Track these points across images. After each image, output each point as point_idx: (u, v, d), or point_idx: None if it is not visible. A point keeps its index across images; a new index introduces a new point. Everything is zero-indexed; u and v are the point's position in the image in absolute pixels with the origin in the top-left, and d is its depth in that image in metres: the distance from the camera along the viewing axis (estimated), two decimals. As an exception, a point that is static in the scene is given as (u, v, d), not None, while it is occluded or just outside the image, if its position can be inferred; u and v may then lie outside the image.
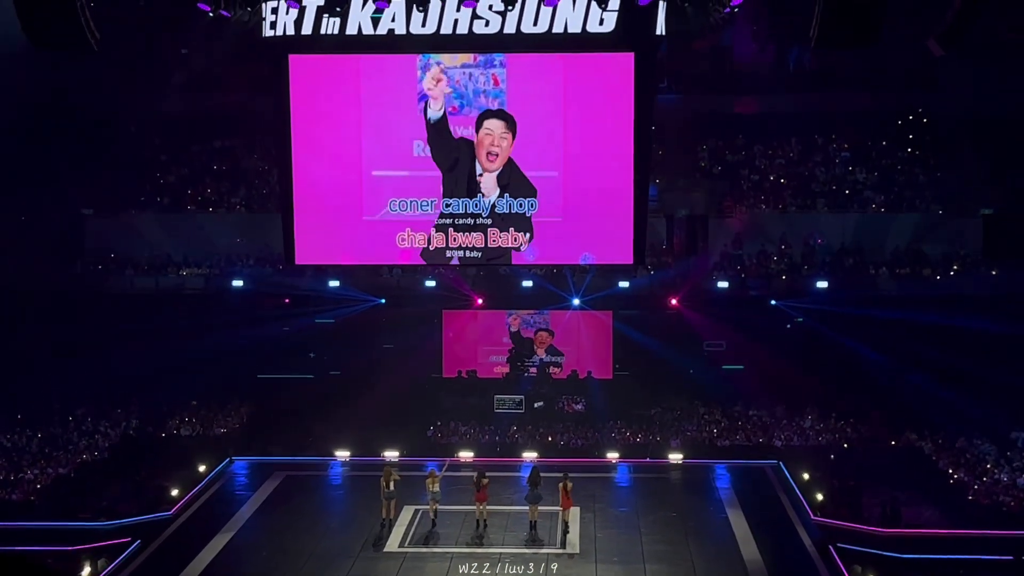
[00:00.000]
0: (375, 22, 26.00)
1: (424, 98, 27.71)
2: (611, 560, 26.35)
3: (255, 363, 38.44)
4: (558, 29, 25.84)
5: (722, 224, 39.27)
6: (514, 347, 39.49)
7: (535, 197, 27.83)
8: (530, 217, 27.97)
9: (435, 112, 27.64)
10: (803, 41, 21.42)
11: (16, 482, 31.02)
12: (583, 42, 26.13)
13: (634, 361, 38.80)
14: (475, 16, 25.79)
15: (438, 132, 27.70)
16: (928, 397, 34.73)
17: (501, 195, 27.78)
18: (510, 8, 25.13)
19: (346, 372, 38.48)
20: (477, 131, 27.57)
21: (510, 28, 25.85)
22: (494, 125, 27.54)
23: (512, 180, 27.78)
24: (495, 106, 27.56)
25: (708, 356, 38.91)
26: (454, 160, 27.77)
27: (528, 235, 28.11)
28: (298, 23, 26.01)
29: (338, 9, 25.37)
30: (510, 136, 27.51)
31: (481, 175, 27.74)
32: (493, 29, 25.89)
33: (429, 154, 27.89)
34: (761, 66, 40.57)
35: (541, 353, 39.47)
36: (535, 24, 25.80)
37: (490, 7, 25.73)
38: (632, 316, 38.65)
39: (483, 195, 27.75)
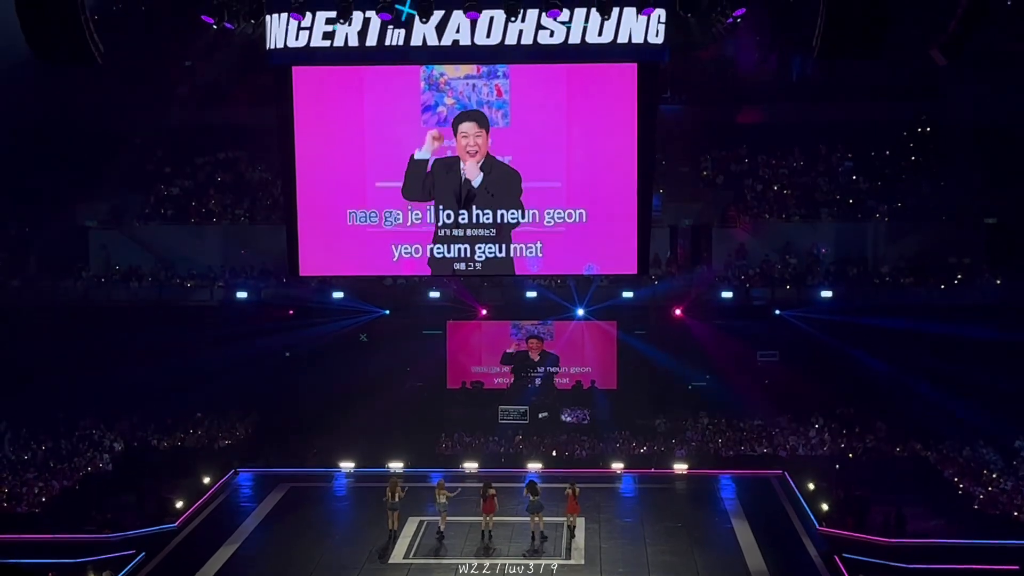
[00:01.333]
0: (378, 34, 26.01)
1: (428, 109, 27.77)
2: (616, 570, 26.34)
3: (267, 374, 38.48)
4: (561, 40, 25.84)
5: (726, 234, 39.29)
6: (514, 365, 39.51)
7: (520, 189, 27.85)
8: (530, 225, 28.03)
9: (422, 153, 27.84)
10: (806, 51, 21.44)
11: (21, 495, 31.01)
12: (586, 52, 26.16)
13: (638, 371, 38.73)
14: (478, 27, 25.80)
15: (417, 168, 27.91)
16: (933, 406, 34.71)
17: (483, 183, 27.75)
18: (513, 19, 25.14)
19: (350, 384, 38.36)
20: (455, 134, 27.67)
21: (513, 39, 25.86)
22: (468, 128, 27.69)
23: (494, 168, 27.81)
24: (499, 117, 27.62)
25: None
26: (431, 185, 28.00)
27: (531, 245, 28.14)
28: (302, 35, 26.05)
29: (341, 21, 25.40)
30: (484, 133, 27.68)
31: (463, 168, 27.80)
32: (496, 40, 25.90)
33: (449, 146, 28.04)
34: (764, 76, 40.63)
35: (535, 356, 39.45)
36: (537, 35, 25.82)
37: (491, 18, 25.76)
38: (639, 329, 38.62)
39: (467, 179, 27.75)
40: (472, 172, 27.81)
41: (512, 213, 27.94)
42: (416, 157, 27.90)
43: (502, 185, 27.86)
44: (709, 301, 37.48)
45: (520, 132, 27.77)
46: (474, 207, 27.92)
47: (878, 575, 26.32)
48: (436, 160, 27.85)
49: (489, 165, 27.80)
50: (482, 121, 27.65)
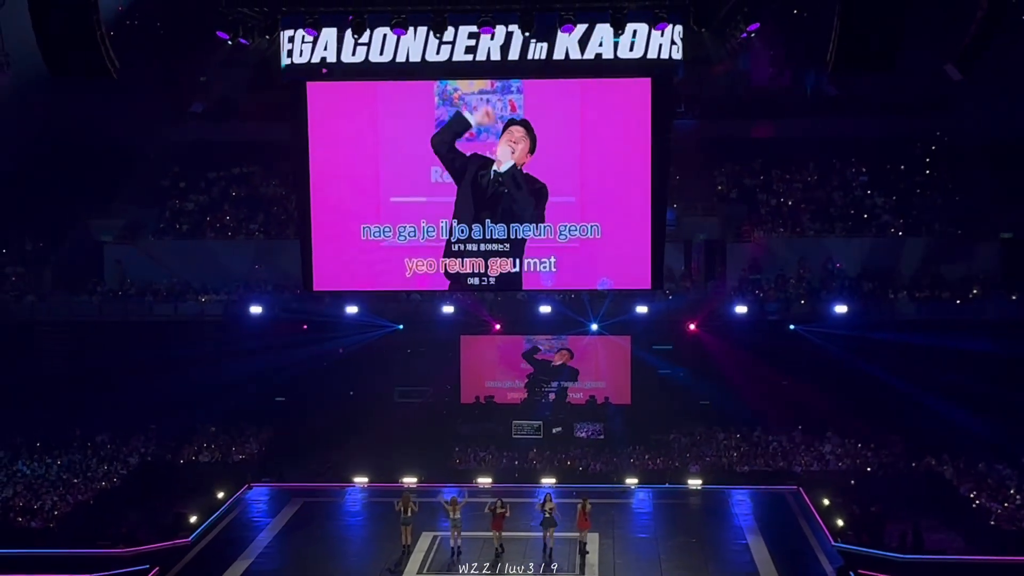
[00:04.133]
0: (393, 49, 26.09)
1: (442, 124, 27.81)
2: (630, 587, 26.30)
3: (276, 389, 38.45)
4: (575, 55, 25.89)
5: (740, 249, 39.26)
6: (534, 371, 39.43)
7: (544, 205, 27.83)
8: (543, 239, 28.03)
9: (473, 118, 28.01)
10: (820, 65, 21.44)
11: (36, 510, 31.05)
12: (600, 67, 26.19)
13: (652, 386, 38.68)
14: (492, 43, 25.84)
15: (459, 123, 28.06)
16: (948, 421, 34.55)
17: (510, 175, 27.73)
18: (527, 34, 25.20)
19: (363, 398, 38.37)
20: (503, 132, 27.79)
21: (527, 54, 25.90)
22: (516, 130, 27.72)
23: (527, 178, 27.84)
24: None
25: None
26: (463, 168, 27.99)
27: (545, 260, 28.16)
28: (316, 51, 26.14)
29: (355, 37, 25.50)
30: (528, 141, 27.64)
31: (497, 157, 27.86)
32: (510, 55, 25.95)
33: (446, 180, 27.99)
34: (778, 90, 40.62)
35: (557, 362, 39.41)
36: (552, 50, 25.87)
37: (508, 33, 25.78)
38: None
39: (496, 169, 27.73)
40: (504, 160, 27.75)
41: (526, 227, 27.92)
42: (464, 115, 27.94)
43: (528, 192, 27.82)
44: (723, 316, 37.42)
45: (537, 143, 27.79)
46: (488, 222, 27.87)
47: (894, 591, 26.25)
48: (475, 154, 27.87)
49: (522, 173, 27.86)
50: (530, 130, 27.66)
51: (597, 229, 28.11)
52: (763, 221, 39.93)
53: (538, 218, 28.08)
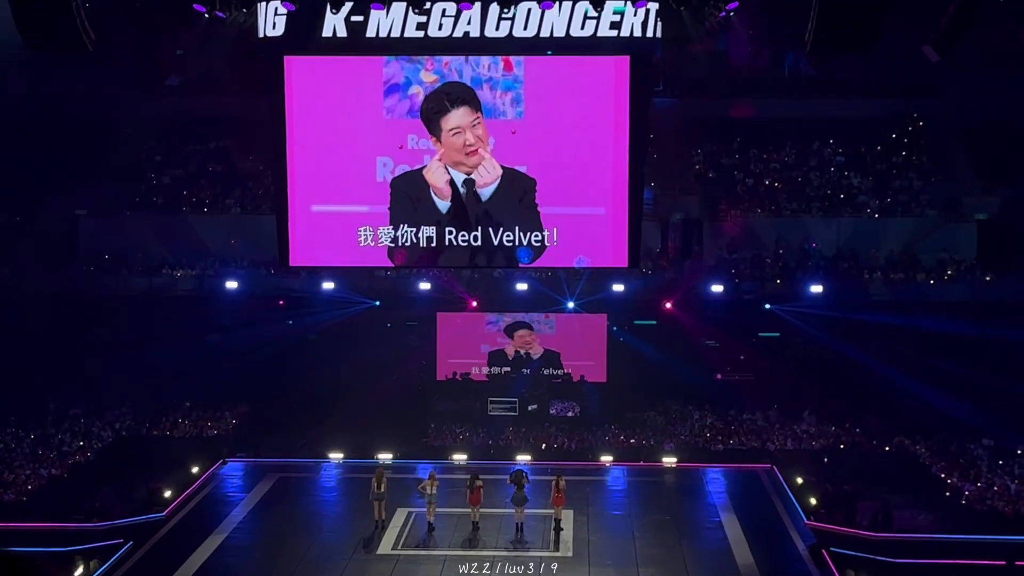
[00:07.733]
0: (372, 24, 25.96)
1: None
2: (604, 563, 26.28)
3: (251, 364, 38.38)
4: (554, 32, 25.81)
5: (717, 228, 39.34)
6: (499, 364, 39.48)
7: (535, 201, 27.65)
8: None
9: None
10: (799, 46, 21.45)
11: (10, 483, 30.94)
12: (578, 45, 26.12)
13: (628, 364, 38.74)
14: (471, 19, 25.74)
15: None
16: (922, 402, 34.74)
17: (495, 197, 27.47)
18: (506, 12, 25.11)
19: (340, 375, 38.31)
20: (440, 133, 27.39)
21: (505, 31, 25.81)
22: (460, 117, 27.20)
23: (514, 179, 27.50)
24: (496, 102, 27.45)
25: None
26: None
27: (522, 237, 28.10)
28: (294, 25, 25.99)
29: (333, 11, 25.36)
30: (480, 117, 27.25)
31: (478, 190, 27.49)
32: (488, 32, 25.86)
33: (421, 146, 27.77)
34: (757, 70, 40.62)
35: (519, 347, 39.31)
36: (530, 28, 25.78)
37: (485, 10, 25.67)
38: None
39: (476, 191, 27.45)
40: (485, 178, 27.47)
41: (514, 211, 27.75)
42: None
43: (512, 196, 27.60)
44: (699, 295, 37.50)
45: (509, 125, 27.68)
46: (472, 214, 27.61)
47: (865, 569, 26.39)
48: (395, 180, 27.62)
49: (508, 176, 27.55)
50: (475, 103, 27.31)
51: (574, 207, 28.05)
52: (740, 201, 39.99)
53: (531, 211, 27.80)
